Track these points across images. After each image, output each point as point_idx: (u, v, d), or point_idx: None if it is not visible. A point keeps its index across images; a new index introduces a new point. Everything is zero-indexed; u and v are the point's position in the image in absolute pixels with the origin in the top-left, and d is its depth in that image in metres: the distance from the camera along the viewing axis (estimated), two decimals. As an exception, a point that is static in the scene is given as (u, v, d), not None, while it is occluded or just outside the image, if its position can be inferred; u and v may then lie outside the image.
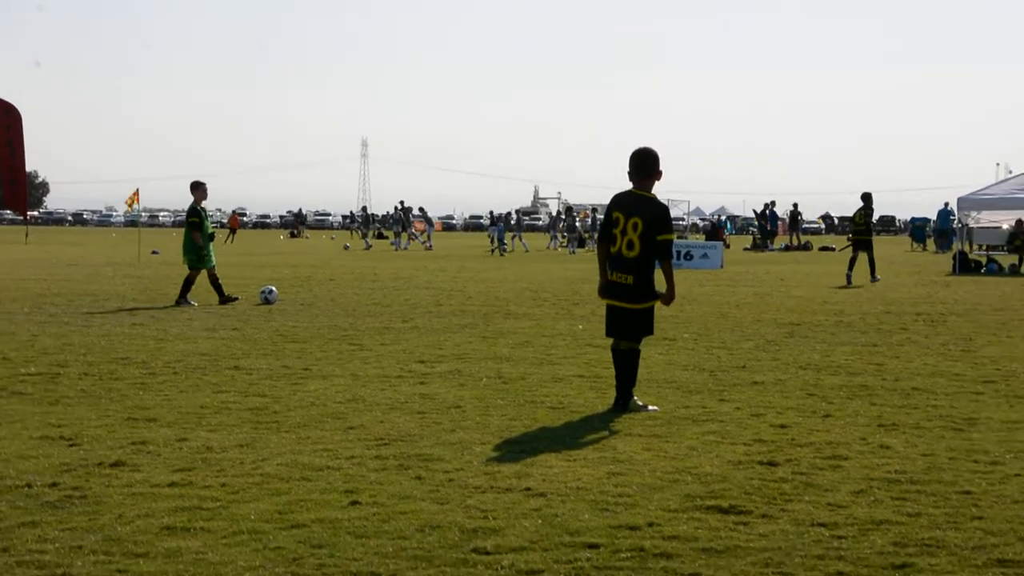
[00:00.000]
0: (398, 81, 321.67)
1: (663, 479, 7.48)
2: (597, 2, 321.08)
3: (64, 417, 9.51)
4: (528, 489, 7.15)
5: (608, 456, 8.16)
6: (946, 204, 52.91)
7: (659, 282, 10.07)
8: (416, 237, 63.12)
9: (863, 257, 29.42)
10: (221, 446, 8.39)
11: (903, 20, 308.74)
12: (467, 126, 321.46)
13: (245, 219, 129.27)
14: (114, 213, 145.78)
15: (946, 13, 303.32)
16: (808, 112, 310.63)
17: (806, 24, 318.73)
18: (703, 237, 66.00)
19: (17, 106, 54.35)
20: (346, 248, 59.18)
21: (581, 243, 58.83)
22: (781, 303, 22.03)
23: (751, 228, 62.92)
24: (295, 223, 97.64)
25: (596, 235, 52.40)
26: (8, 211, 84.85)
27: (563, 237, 62.99)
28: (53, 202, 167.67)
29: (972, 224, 41.47)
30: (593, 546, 6.01)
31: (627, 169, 10.13)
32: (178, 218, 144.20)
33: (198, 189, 21.83)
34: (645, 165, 10.08)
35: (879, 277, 29.04)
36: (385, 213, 72.67)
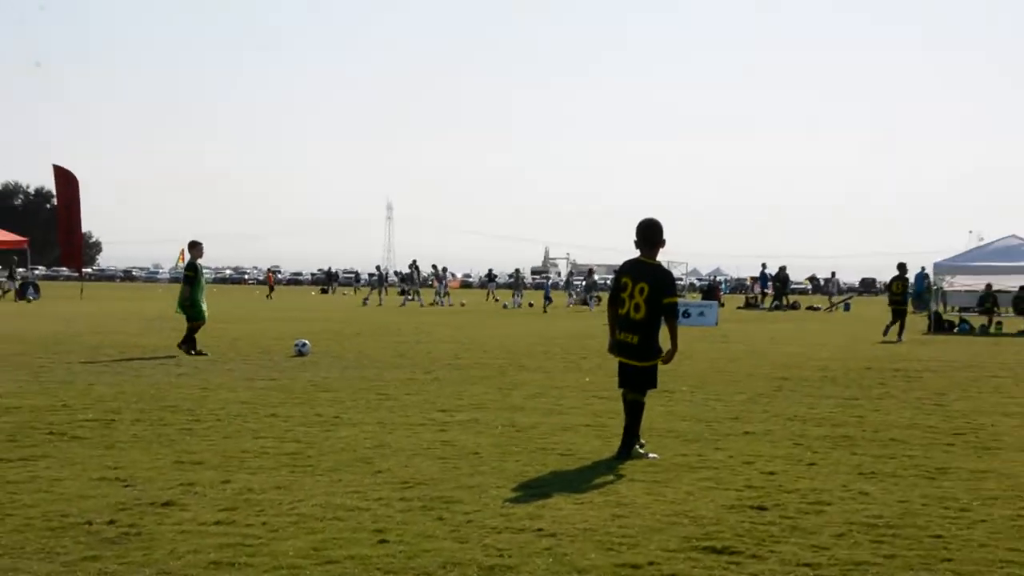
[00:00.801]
0: (419, 152, 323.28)
1: (663, 521, 7.53)
2: (602, 76, 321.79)
3: (119, 460, 9.58)
4: (540, 530, 7.20)
5: (613, 500, 8.22)
6: (923, 268, 52.76)
7: (664, 339, 10.15)
8: (438, 294, 62.97)
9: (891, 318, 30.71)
10: (261, 488, 8.45)
11: (886, 101, 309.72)
12: (481, 192, 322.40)
13: (280, 276, 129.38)
14: (160, 270, 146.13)
15: (921, 92, 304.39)
16: (794, 181, 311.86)
17: (795, 97, 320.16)
18: (700, 296, 65.92)
19: (76, 173, 54.89)
20: (364, 303, 58.97)
21: (584, 301, 58.70)
22: (771, 359, 22.06)
23: (764, 291, 62.75)
24: (326, 280, 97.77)
25: (595, 294, 52.02)
26: (65, 268, 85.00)
27: (576, 296, 62.89)
28: (105, 260, 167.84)
29: (946, 287, 41.50)
30: (599, 582, 6.08)
31: (634, 239, 10.27)
32: (218, 275, 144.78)
33: (195, 248, 22.20)
34: (651, 236, 10.24)
35: (903, 340, 29.25)
36: (397, 271, 72.42)
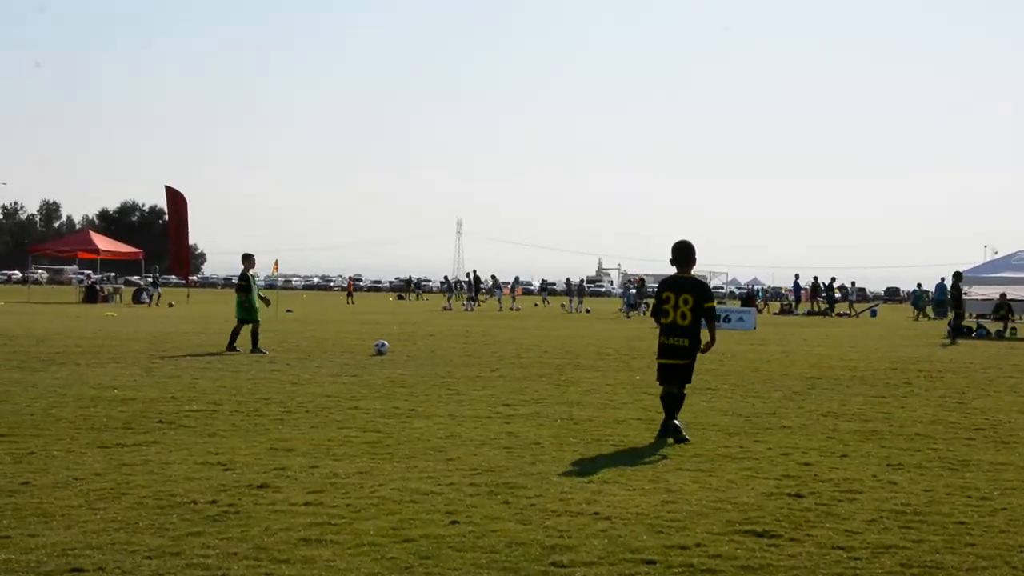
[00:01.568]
0: (488, 173, 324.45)
1: (708, 507, 7.44)
2: (641, 104, 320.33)
3: (220, 446, 9.65)
4: (596, 513, 7.14)
5: (662, 487, 8.13)
6: (943, 279, 51.97)
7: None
8: (499, 298, 62.90)
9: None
10: (345, 473, 8.46)
11: (916, 125, 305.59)
12: (545, 208, 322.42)
13: (360, 283, 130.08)
14: (257, 278, 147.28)
15: (937, 122, 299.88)
16: (825, 200, 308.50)
17: (826, 118, 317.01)
18: (739, 303, 65.42)
19: (185, 194, 55.77)
20: (444, 308, 59.24)
21: (633, 307, 58.33)
22: (805, 360, 21.79)
23: (820, 298, 62.01)
24: (405, 287, 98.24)
25: (644, 301, 51.66)
26: (174, 276, 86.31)
27: (629, 305, 62.29)
28: (208, 269, 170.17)
29: (965, 296, 40.80)
30: (650, 562, 5.99)
31: (670, 258, 10.92)
32: (308, 282, 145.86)
33: (248, 260, 22.42)
34: (687, 256, 10.88)
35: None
36: (456, 280, 72.70)
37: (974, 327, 37.07)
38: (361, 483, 8.05)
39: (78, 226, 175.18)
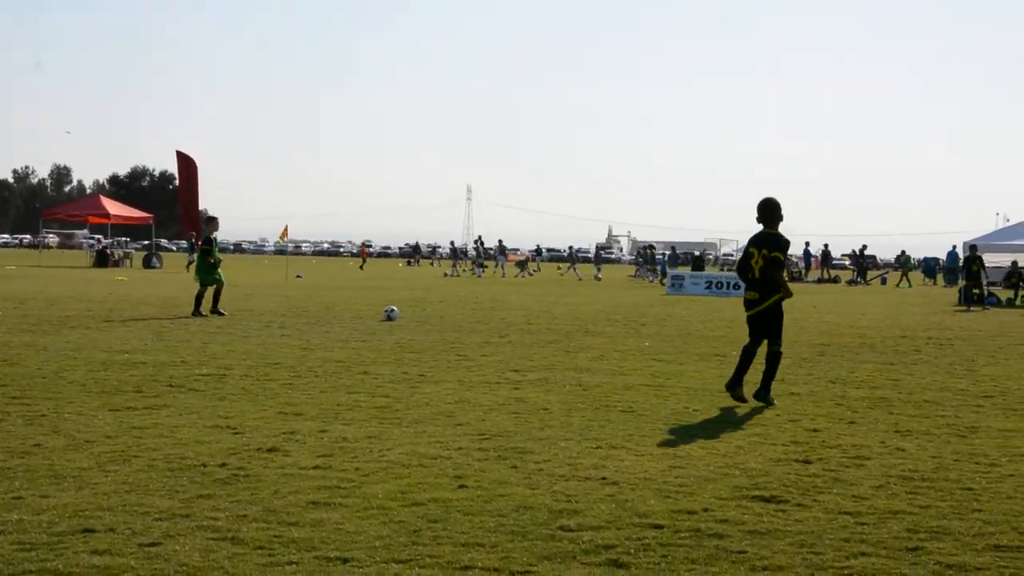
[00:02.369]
0: (499, 139, 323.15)
1: (716, 472, 7.45)
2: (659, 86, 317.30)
3: (230, 410, 9.69)
4: (604, 478, 7.16)
5: (670, 452, 8.15)
6: (954, 246, 51.77)
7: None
8: (502, 265, 62.70)
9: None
10: (354, 437, 8.49)
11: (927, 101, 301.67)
12: (553, 176, 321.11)
13: (371, 249, 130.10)
14: (266, 243, 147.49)
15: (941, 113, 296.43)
16: (842, 173, 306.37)
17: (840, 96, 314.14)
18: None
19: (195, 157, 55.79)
20: (445, 275, 58.87)
21: (664, 273, 58.13)
22: (814, 327, 21.77)
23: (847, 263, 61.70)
24: (413, 253, 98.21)
25: (654, 267, 51.47)
26: (184, 241, 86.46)
27: (642, 270, 61.98)
28: (220, 234, 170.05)
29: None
30: (658, 526, 6.01)
31: (756, 216, 10.92)
32: (317, 248, 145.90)
33: (211, 222, 22.19)
34: (773, 213, 10.89)
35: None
36: (463, 246, 71.39)
37: (985, 294, 36.94)
38: (370, 447, 8.08)
39: (89, 191, 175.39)
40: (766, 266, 10.65)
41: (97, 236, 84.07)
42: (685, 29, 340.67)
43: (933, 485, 7.19)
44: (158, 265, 55.43)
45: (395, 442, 8.30)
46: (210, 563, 5.22)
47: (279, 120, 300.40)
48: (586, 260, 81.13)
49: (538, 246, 64.54)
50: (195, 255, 29.59)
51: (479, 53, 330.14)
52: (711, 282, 39.85)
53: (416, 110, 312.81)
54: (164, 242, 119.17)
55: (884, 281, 60.86)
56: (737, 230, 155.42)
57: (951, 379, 13.21)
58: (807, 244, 64.83)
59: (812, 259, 64.96)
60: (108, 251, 60.77)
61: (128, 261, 59.93)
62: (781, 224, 10.97)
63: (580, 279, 55.21)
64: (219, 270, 21.37)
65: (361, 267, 69.07)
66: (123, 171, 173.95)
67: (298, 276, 45.77)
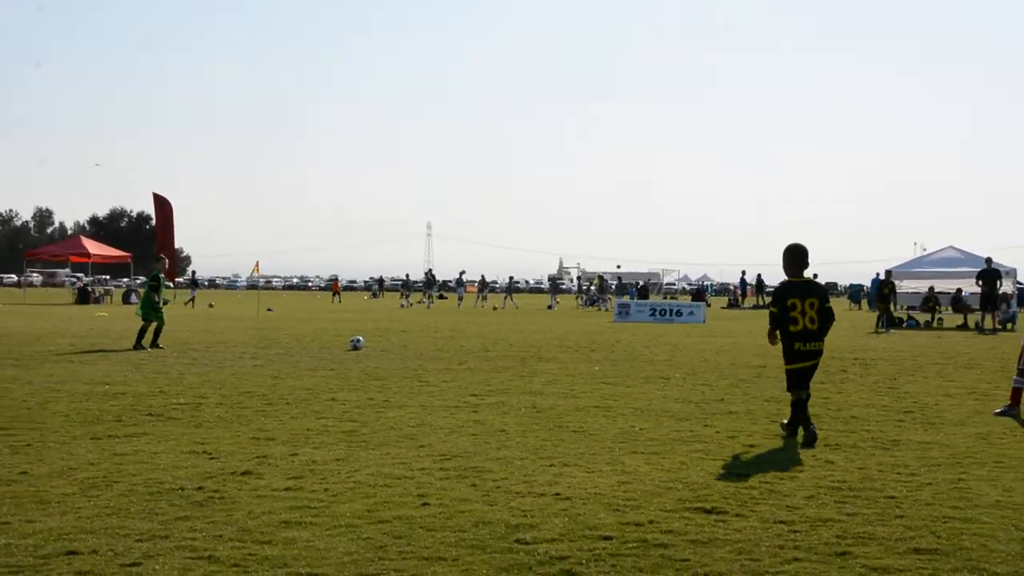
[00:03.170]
0: (455, 182, 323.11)
1: (661, 487, 7.49)
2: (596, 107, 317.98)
3: (206, 436, 9.60)
4: (557, 494, 7.17)
5: (618, 469, 8.18)
6: (877, 274, 52.45)
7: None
8: (460, 296, 62.53)
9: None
10: (323, 460, 8.44)
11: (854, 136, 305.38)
12: (503, 213, 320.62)
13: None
14: (239, 279, 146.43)
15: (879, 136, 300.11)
16: (769, 202, 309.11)
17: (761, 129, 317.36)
18: (690, 298, 65.82)
19: (172, 201, 55.32)
20: (401, 307, 58.25)
21: (592, 303, 58.53)
22: (750, 350, 21.95)
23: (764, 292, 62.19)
24: (377, 287, 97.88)
25: (605, 297, 51.62)
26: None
27: (585, 297, 62.37)
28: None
29: (897, 289, 41.24)
30: (608, 538, 6.03)
31: (782, 264, 10.20)
32: (287, 283, 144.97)
33: (159, 261, 22.23)
34: (803, 260, 10.16)
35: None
36: (414, 280, 69.88)
37: (905, 318, 37.50)
38: (338, 469, 8.04)
39: (70, 232, 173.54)
40: (827, 318, 10.01)
41: (79, 274, 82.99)
42: (637, 43, 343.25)
43: (859, 494, 7.27)
44: (136, 301, 54.76)
45: (362, 464, 8.27)
46: (188, 581, 5.17)
47: (253, 162, 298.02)
48: (537, 290, 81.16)
49: (483, 276, 63.18)
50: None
51: (438, 86, 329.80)
52: (655, 309, 40.07)
53: (376, 148, 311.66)
54: (141, 279, 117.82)
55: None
56: (680, 261, 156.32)
57: (875, 396, 13.37)
58: (743, 273, 65.53)
59: (748, 287, 65.57)
60: (89, 288, 59.98)
61: (108, 298, 59.24)
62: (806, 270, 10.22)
63: (517, 308, 55.24)
64: (163, 309, 21.28)
65: (339, 300, 68.72)
66: (102, 212, 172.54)
67: (269, 309, 45.47)
